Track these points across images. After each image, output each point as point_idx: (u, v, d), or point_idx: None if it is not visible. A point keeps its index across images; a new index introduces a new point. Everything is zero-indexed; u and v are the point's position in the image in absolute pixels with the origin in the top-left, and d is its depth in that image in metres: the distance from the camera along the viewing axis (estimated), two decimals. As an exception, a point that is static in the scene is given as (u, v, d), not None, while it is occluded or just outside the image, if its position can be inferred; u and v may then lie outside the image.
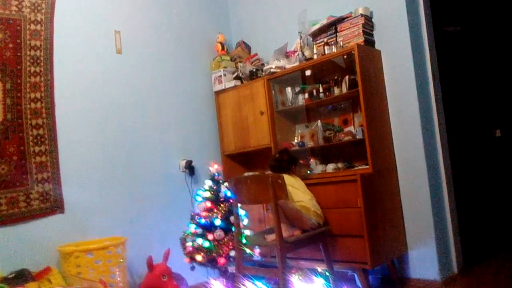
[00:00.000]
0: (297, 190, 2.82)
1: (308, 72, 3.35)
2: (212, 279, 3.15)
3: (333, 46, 3.15)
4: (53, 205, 2.88)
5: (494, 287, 2.77)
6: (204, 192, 3.13)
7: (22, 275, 2.47)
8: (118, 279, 2.72)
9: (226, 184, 3.11)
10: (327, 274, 2.79)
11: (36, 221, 2.78)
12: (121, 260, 2.77)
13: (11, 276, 2.45)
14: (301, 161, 3.35)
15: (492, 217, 4.09)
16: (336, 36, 3.20)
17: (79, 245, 2.77)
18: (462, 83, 4.14)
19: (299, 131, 3.64)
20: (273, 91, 3.55)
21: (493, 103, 4.36)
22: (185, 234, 3.09)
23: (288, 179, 2.79)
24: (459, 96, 3.98)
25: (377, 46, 3.18)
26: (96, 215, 3.06)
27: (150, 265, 2.45)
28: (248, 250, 2.80)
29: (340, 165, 3.21)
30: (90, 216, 3.03)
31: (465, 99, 4.16)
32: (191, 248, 2.99)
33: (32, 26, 2.92)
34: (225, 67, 3.90)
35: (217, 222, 2.96)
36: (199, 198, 3.16)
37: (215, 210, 3.01)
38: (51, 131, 2.94)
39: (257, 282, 2.82)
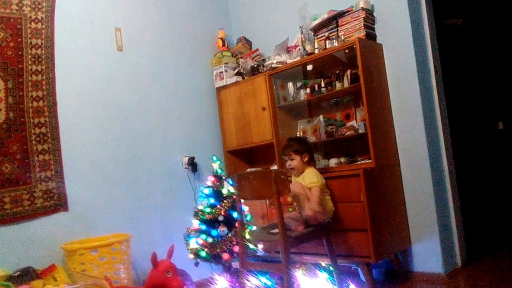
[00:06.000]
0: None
1: (309, 67, 3.34)
2: (216, 275, 3.16)
3: (334, 41, 3.14)
4: (57, 203, 2.89)
5: (498, 280, 2.77)
6: (206, 188, 3.14)
7: (27, 273, 2.47)
8: (123, 275, 2.73)
9: (229, 180, 3.11)
10: (331, 268, 2.80)
11: (40, 219, 2.80)
12: (126, 257, 2.78)
13: (16, 274, 2.46)
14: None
15: (495, 211, 4.08)
16: (337, 30, 3.18)
17: (83, 242, 2.78)
18: (464, 76, 4.13)
19: (301, 126, 3.63)
20: (274, 87, 3.54)
21: (496, 95, 4.34)
22: (189, 230, 3.10)
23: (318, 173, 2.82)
24: (461, 89, 3.97)
25: (378, 40, 3.17)
26: (100, 212, 3.07)
27: (155, 261, 2.45)
28: (251, 246, 2.80)
29: (342, 159, 3.21)
30: (94, 213, 3.04)
31: (468, 92, 4.15)
32: (195, 244, 3.00)
33: (33, 25, 2.92)
34: (226, 63, 3.88)
35: (220, 218, 2.97)
36: (202, 194, 3.16)
37: (218, 206, 3.02)
38: (53, 129, 2.94)
39: (261, 277, 2.83)
